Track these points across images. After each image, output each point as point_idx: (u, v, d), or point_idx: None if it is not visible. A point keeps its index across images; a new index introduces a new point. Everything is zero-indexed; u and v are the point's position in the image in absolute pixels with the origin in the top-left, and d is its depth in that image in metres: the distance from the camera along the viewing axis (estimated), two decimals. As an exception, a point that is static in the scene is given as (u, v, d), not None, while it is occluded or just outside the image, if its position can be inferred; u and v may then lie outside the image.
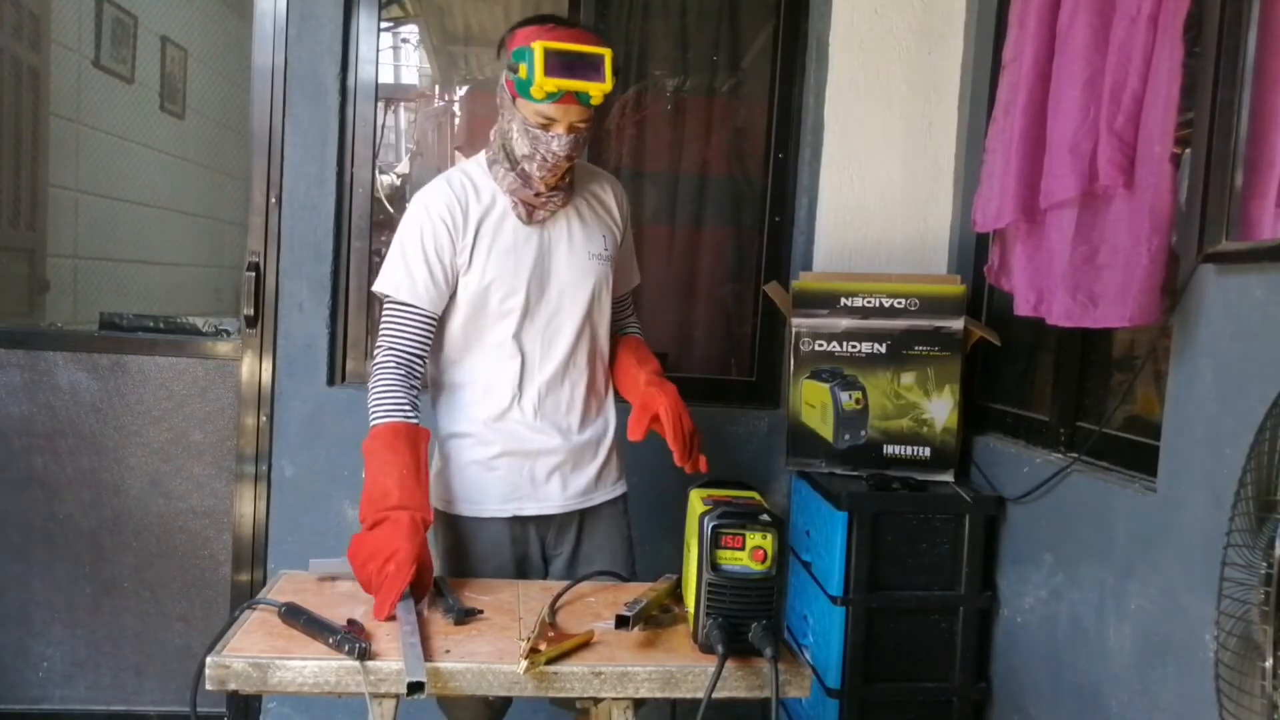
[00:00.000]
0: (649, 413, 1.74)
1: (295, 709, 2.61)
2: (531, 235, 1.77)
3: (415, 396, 1.71)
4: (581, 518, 1.87)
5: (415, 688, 1.23)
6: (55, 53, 3.18)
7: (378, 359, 1.72)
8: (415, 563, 1.47)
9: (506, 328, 1.77)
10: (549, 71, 1.56)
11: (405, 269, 1.72)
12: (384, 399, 1.68)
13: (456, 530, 1.84)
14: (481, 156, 1.80)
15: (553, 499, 1.83)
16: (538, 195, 1.73)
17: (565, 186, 1.77)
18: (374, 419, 1.67)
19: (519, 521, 1.83)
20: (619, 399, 1.91)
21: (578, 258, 1.79)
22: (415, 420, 1.68)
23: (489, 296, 1.75)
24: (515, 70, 1.61)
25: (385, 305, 1.75)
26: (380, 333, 1.74)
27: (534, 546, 1.86)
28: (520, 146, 1.67)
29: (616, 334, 1.96)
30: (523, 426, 1.79)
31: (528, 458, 1.80)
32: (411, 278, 1.72)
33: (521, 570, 1.84)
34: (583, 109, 1.63)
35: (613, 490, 1.91)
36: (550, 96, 1.59)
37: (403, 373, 1.70)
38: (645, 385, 1.80)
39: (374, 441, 1.64)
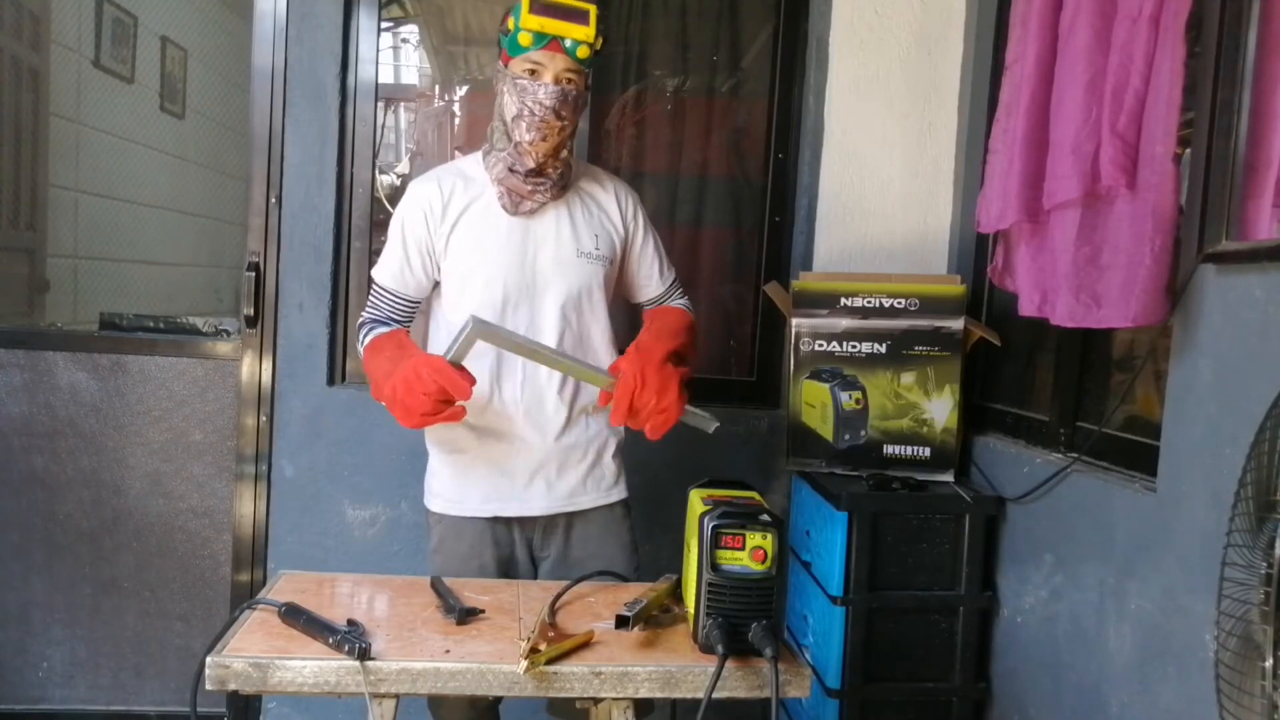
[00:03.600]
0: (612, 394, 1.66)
1: (295, 709, 2.61)
2: (516, 227, 1.78)
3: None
4: (569, 521, 1.86)
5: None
6: (55, 53, 3.18)
7: (358, 328, 1.84)
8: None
9: (487, 318, 1.77)
10: (533, 10, 1.63)
11: (386, 255, 1.83)
12: (366, 334, 1.81)
13: (441, 529, 1.85)
14: (478, 152, 1.83)
15: (535, 501, 1.82)
16: (526, 178, 1.73)
17: (556, 178, 1.76)
18: (361, 349, 1.80)
19: (502, 522, 1.84)
20: None
21: (564, 253, 1.79)
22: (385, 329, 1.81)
23: (466, 285, 1.78)
24: (506, 32, 1.68)
25: (371, 287, 1.87)
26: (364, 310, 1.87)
27: (520, 549, 1.86)
28: (510, 108, 1.70)
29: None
30: (500, 422, 1.79)
31: (506, 456, 1.80)
32: (389, 264, 1.82)
33: (507, 572, 1.84)
34: (569, 60, 1.67)
35: (607, 495, 1.88)
36: (537, 40, 1.64)
37: (374, 328, 1.82)
38: (630, 349, 1.71)
39: (368, 357, 1.77)
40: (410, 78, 3.34)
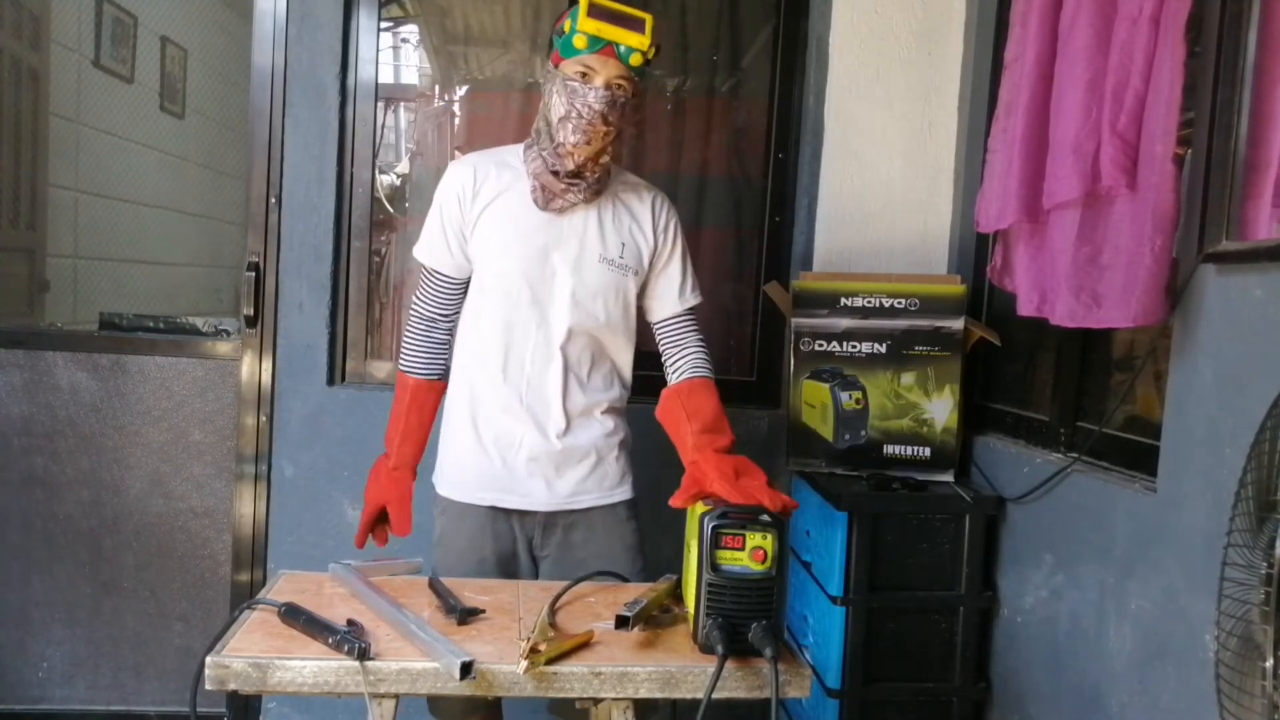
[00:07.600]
0: (694, 489, 1.59)
1: (295, 709, 2.61)
2: (543, 223, 1.77)
3: (435, 351, 1.88)
4: (571, 520, 1.85)
5: (467, 669, 1.26)
6: (55, 53, 3.18)
7: (408, 317, 1.90)
8: (376, 505, 1.85)
9: (499, 309, 1.78)
10: (591, 14, 1.64)
11: (427, 236, 1.86)
12: (403, 351, 1.89)
13: (444, 520, 1.87)
14: (522, 144, 1.84)
15: (535, 496, 1.82)
16: (562, 178, 1.73)
17: (592, 181, 1.76)
18: (399, 363, 1.91)
19: (502, 515, 1.83)
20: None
21: (587, 258, 1.78)
22: (416, 374, 1.87)
23: (486, 272, 1.80)
24: (560, 33, 1.69)
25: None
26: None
27: (520, 545, 1.86)
28: (557, 108, 1.70)
29: (675, 370, 1.88)
30: (504, 414, 1.80)
31: (508, 447, 1.81)
32: (428, 239, 1.85)
33: (507, 569, 1.84)
34: (621, 66, 1.68)
35: (609, 495, 1.87)
36: (592, 44, 1.65)
37: (423, 328, 1.88)
38: (693, 451, 1.69)
39: (397, 390, 1.89)
40: (410, 78, 3.34)
